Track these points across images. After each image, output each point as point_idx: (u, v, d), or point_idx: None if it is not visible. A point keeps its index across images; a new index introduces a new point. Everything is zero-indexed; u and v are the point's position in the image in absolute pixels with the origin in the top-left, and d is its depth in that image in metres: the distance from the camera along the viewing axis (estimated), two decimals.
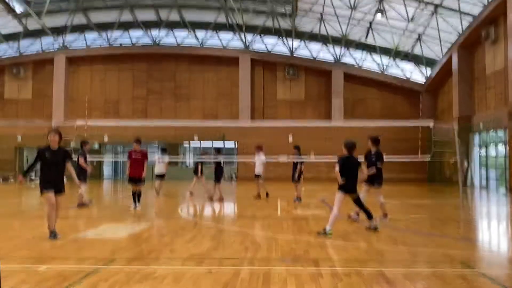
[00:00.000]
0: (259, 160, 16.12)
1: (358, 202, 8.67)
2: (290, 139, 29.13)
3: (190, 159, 34.91)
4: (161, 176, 17.16)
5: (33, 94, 34.23)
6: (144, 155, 12.38)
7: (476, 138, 25.43)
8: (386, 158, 10.03)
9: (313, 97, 33.80)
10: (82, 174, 12.22)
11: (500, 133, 22.69)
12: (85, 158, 12.87)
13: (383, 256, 6.55)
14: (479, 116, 24.61)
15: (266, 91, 33.90)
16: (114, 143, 35.67)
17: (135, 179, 12.33)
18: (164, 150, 17.70)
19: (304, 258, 6.31)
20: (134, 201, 12.30)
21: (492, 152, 24.16)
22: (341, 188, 8.35)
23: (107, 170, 37.79)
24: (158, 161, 17.24)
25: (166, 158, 17.47)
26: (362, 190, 9.66)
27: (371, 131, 30.15)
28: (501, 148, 22.86)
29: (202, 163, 17.00)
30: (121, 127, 28.54)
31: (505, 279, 5.46)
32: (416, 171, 30.98)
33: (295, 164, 15.17)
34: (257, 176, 16.08)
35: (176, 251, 6.76)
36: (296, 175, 14.97)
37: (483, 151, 24.97)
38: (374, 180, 9.66)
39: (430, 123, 14.87)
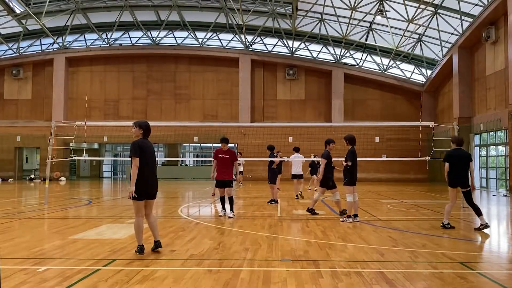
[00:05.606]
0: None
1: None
2: (290, 139, 29.13)
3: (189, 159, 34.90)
4: (297, 176, 16.21)
5: (32, 95, 34.21)
6: (233, 155, 10.96)
7: (476, 139, 25.44)
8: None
9: (313, 98, 33.78)
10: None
11: (500, 133, 22.70)
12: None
13: (383, 256, 6.54)
14: (479, 117, 24.61)
15: (266, 91, 33.87)
16: (114, 143, 35.79)
17: (224, 182, 10.86)
18: (296, 149, 16.54)
19: (304, 258, 6.31)
20: (223, 207, 11.15)
21: (492, 152, 24.18)
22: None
23: (106, 170, 37.90)
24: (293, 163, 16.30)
25: (300, 157, 16.23)
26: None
27: (371, 131, 30.61)
28: (501, 148, 22.88)
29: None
30: (120, 128, 28.61)
31: (505, 279, 5.45)
32: (416, 171, 31.04)
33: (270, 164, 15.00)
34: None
35: (176, 252, 6.76)
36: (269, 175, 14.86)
37: (483, 151, 24.97)
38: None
39: (430, 124, 14.82)
